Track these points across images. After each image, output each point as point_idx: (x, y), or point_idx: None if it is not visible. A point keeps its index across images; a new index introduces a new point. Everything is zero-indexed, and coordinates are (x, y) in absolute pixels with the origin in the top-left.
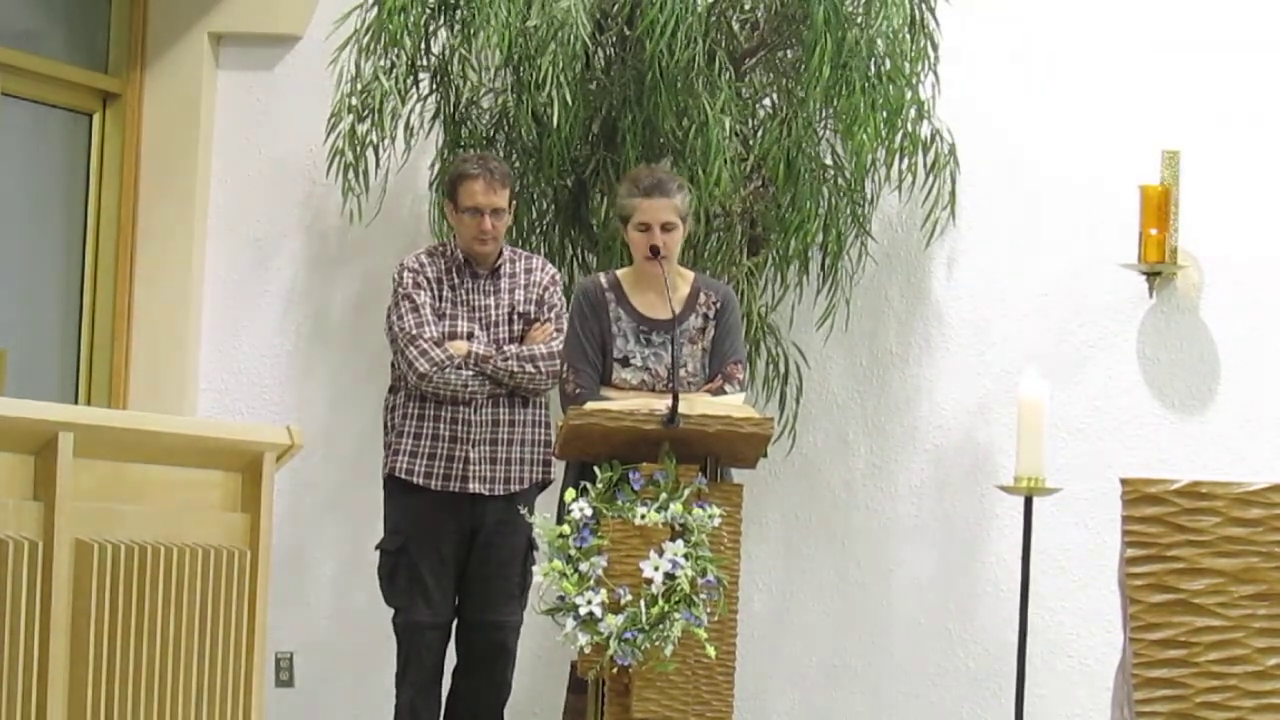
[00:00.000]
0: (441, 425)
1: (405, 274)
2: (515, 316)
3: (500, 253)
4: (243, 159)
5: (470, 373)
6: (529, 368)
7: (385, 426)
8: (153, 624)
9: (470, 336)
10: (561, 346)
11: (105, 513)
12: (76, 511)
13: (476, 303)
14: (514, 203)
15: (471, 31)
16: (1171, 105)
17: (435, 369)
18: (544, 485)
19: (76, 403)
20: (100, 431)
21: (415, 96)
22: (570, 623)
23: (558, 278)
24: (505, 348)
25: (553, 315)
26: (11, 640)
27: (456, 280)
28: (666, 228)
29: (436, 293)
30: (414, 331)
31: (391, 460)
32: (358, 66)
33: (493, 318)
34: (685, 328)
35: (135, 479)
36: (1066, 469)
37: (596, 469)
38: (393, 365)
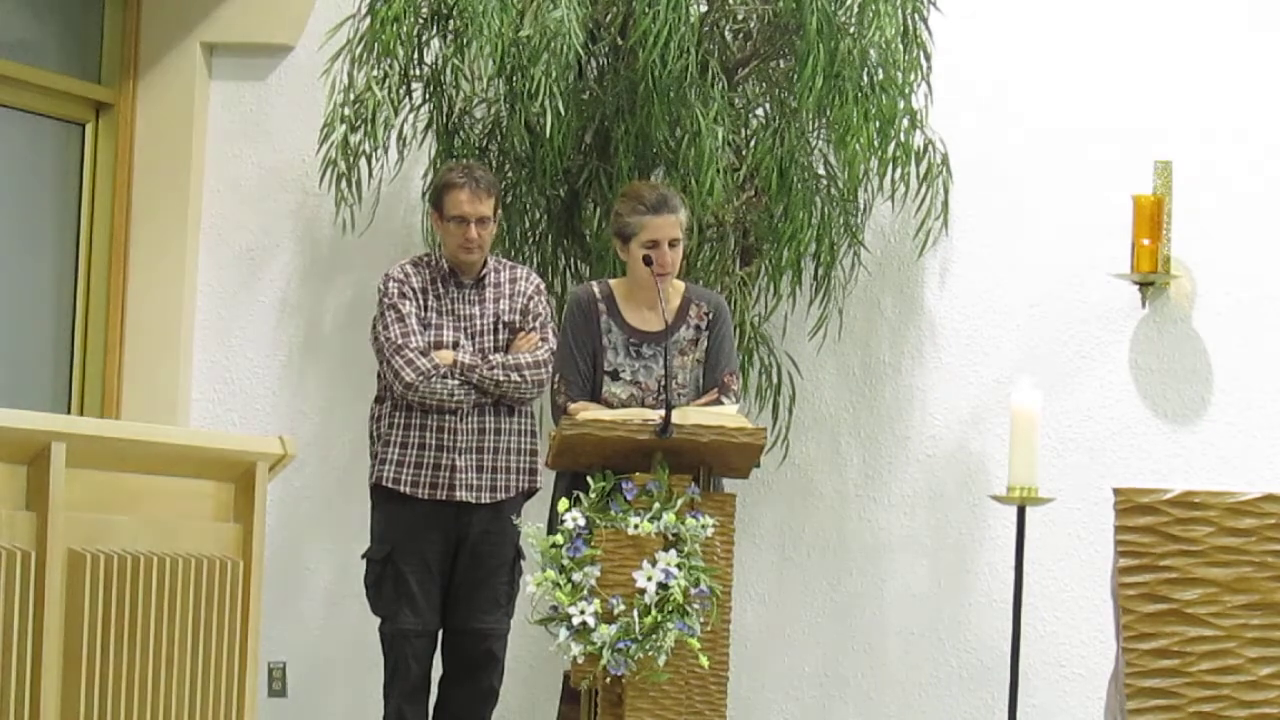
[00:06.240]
0: (428, 434)
1: (390, 284)
2: (500, 326)
3: (485, 262)
4: (235, 169)
5: (456, 382)
6: (514, 376)
7: (371, 436)
8: (145, 634)
9: (456, 346)
10: (547, 355)
11: (98, 523)
12: (69, 521)
13: (462, 312)
14: (499, 212)
15: (464, 41)
16: (1164, 116)
17: (421, 378)
18: (530, 493)
19: (69, 413)
20: (93, 441)
21: (408, 106)
22: (563, 633)
23: (542, 287)
24: (491, 356)
25: (538, 324)
26: (4, 650)
27: (442, 290)
28: (674, 244)
29: (422, 302)
30: (399, 341)
31: (378, 470)
32: (350, 77)
33: (478, 327)
34: (676, 339)
35: (128, 489)
36: (1059, 479)
37: (589, 479)
38: (379, 376)
